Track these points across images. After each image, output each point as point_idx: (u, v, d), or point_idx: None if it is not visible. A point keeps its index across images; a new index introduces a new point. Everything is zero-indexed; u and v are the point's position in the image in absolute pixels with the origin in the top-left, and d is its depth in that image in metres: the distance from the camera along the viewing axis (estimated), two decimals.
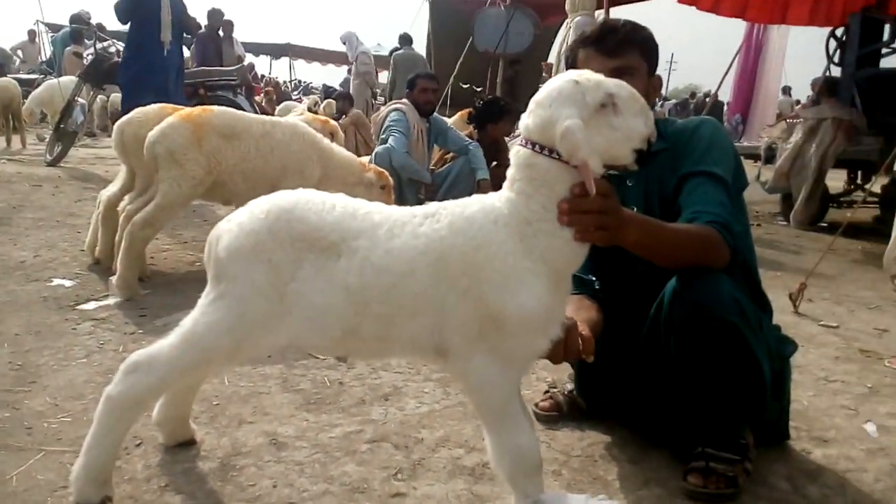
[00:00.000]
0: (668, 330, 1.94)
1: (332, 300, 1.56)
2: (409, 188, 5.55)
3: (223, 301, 1.62)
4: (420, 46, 14.54)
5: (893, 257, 4.33)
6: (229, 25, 12.02)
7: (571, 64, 2.12)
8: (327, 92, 12.42)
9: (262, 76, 19.95)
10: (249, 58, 13.12)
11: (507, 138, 6.62)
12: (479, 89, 11.83)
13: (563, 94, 1.47)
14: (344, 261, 1.55)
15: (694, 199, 1.93)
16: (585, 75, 1.50)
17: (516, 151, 1.54)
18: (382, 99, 13.39)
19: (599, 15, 7.49)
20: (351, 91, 12.12)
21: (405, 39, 12.24)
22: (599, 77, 1.51)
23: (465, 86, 12.13)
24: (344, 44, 13.28)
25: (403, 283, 1.51)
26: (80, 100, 8.40)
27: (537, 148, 1.48)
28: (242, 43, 12.53)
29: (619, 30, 2.07)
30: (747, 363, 1.86)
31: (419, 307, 1.53)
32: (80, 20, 12.61)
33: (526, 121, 1.52)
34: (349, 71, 14.06)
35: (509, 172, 1.55)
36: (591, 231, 1.49)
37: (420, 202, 4.94)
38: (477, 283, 1.47)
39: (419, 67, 10.11)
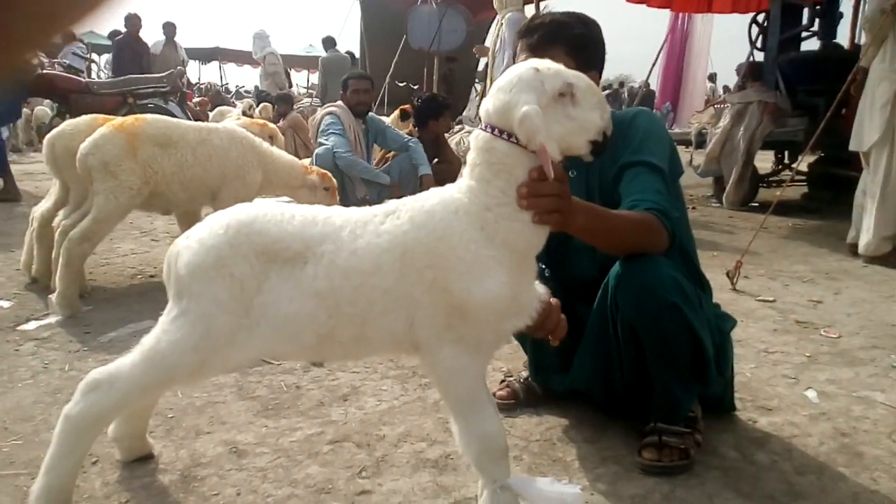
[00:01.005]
0: (613, 312, 2.01)
1: (303, 307, 1.56)
2: (359, 187, 5.52)
3: (186, 318, 1.60)
4: (353, 46, 14.51)
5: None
6: (171, 28, 11.76)
7: (515, 54, 2.16)
8: (260, 95, 12.24)
9: (193, 83, 19.50)
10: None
11: (446, 134, 6.67)
12: (415, 87, 11.85)
13: (523, 80, 1.50)
14: (311, 267, 1.55)
15: (633, 189, 2.00)
16: (546, 64, 1.54)
17: (475, 136, 1.57)
18: (308, 101, 13.33)
19: (539, 7, 7.59)
20: (264, 91, 12.11)
21: (329, 42, 12.34)
22: (559, 67, 1.55)
23: (401, 84, 12.14)
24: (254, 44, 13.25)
25: (371, 282, 1.53)
26: None
27: (496, 132, 1.51)
28: None
29: (544, 26, 2.11)
30: (689, 339, 1.94)
31: (390, 303, 1.54)
32: None
33: (486, 105, 1.55)
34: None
35: (469, 157, 1.58)
36: (547, 214, 1.54)
37: (362, 203, 4.92)
38: (442, 274, 1.50)
39: (347, 69, 10.13)
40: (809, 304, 3.75)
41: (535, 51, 2.04)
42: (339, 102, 5.88)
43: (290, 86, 16.10)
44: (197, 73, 26.78)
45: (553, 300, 1.79)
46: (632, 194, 1.98)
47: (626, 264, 1.96)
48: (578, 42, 2.10)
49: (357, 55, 13.89)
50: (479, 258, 1.48)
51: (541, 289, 1.71)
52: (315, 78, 14.89)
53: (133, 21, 10.79)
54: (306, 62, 24.04)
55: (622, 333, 2.01)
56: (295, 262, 1.57)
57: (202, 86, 20.69)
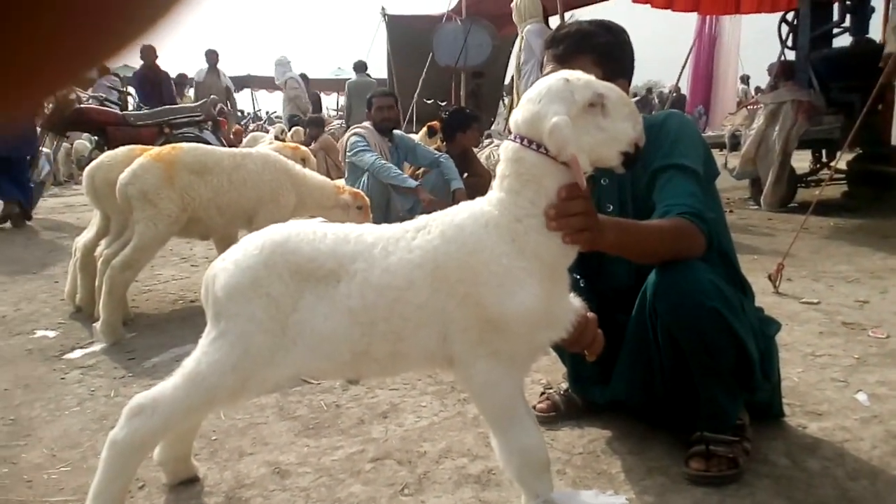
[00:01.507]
0: (653, 321, 1.98)
1: (338, 325, 1.57)
2: (400, 202, 5.55)
3: (225, 339, 1.62)
4: (381, 66, 14.67)
5: None
6: (213, 56, 12.02)
7: (543, 65, 2.16)
8: (291, 119, 12.43)
9: (238, 111, 19.84)
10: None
11: (475, 149, 6.68)
12: (443, 103, 11.91)
13: (553, 91, 1.50)
14: (344, 285, 1.57)
15: (666, 194, 1.97)
16: (576, 74, 1.54)
17: (505, 146, 1.57)
18: (339, 123, 13.53)
19: (565, 17, 7.59)
20: (283, 115, 12.32)
21: (360, 67, 12.55)
22: (590, 77, 1.55)
23: (428, 101, 12.22)
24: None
25: (405, 297, 1.53)
26: (44, 150, 8.32)
27: (525, 142, 1.51)
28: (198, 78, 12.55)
29: (571, 35, 2.09)
30: (732, 345, 1.90)
31: (423, 318, 1.54)
32: None
33: (515, 116, 1.55)
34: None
35: (498, 169, 1.58)
36: (577, 233, 1.53)
37: (405, 219, 4.93)
38: (474, 288, 1.49)
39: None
40: (855, 305, 3.65)
41: (562, 61, 2.03)
42: (366, 123, 5.94)
43: (320, 109, 16.31)
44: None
45: (590, 314, 1.77)
46: (664, 200, 1.96)
47: (663, 271, 1.93)
48: (605, 50, 2.08)
49: (375, 77, 14.07)
50: (511, 271, 1.48)
51: (577, 302, 1.69)
52: (343, 100, 15.16)
53: (148, 52, 11.06)
54: (336, 85, 24.34)
55: (662, 341, 1.98)
56: (329, 281, 1.58)
57: (238, 112, 21.05)
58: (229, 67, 14.36)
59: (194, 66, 12.25)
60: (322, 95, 22.14)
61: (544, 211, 1.49)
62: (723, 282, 1.94)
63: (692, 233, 1.87)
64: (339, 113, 20.99)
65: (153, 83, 10.82)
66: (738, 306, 1.96)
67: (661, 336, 1.97)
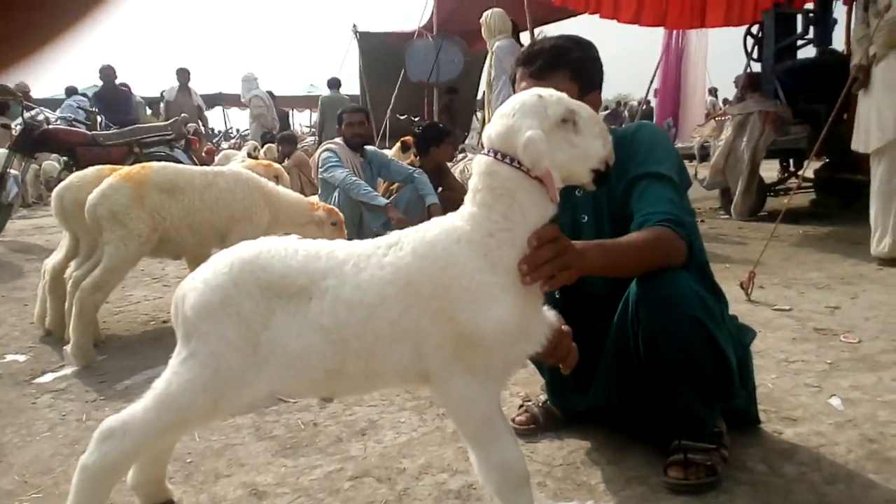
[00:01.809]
0: (634, 328, 1.99)
1: (310, 343, 1.55)
2: (372, 218, 5.52)
3: (195, 359, 1.60)
4: (354, 83, 14.68)
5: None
6: (185, 74, 11.93)
7: (514, 82, 2.17)
8: (264, 137, 12.37)
9: (207, 130, 19.69)
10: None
11: (449, 163, 6.70)
12: (416, 119, 11.95)
13: (526, 106, 1.52)
14: (315, 302, 1.55)
15: (643, 203, 1.99)
16: (548, 91, 1.56)
17: (478, 160, 1.57)
18: (312, 139, 13.54)
19: (527, 34, 7.66)
20: (249, 134, 12.30)
21: (333, 83, 12.64)
22: (562, 94, 1.57)
23: (402, 117, 12.24)
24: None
25: (377, 314, 1.52)
26: (12, 171, 8.18)
27: (499, 156, 1.52)
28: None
29: (546, 51, 2.11)
30: (713, 354, 1.91)
31: (396, 335, 1.53)
32: (3, 91, 12.35)
33: (488, 130, 1.56)
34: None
35: (471, 183, 1.58)
36: (553, 279, 1.53)
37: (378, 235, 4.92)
38: (447, 304, 1.49)
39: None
40: (827, 311, 3.70)
41: (538, 77, 2.05)
42: (337, 139, 5.93)
43: (289, 126, 16.26)
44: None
45: (564, 327, 1.78)
46: (642, 209, 1.97)
47: (645, 279, 1.93)
48: (579, 65, 2.11)
49: (347, 93, 14.11)
50: (484, 286, 1.47)
51: (551, 316, 1.70)
52: (316, 117, 15.21)
53: (107, 72, 11.04)
54: (308, 102, 24.32)
55: (644, 348, 1.98)
56: (300, 298, 1.57)
57: (209, 130, 20.88)
58: (201, 85, 14.25)
59: (165, 85, 12.18)
60: (294, 112, 22.07)
61: (517, 265, 1.50)
62: (703, 290, 1.96)
63: (672, 240, 1.88)
64: (312, 129, 20.97)
65: (111, 103, 10.78)
66: (718, 316, 1.98)
67: (643, 342, 1.98)
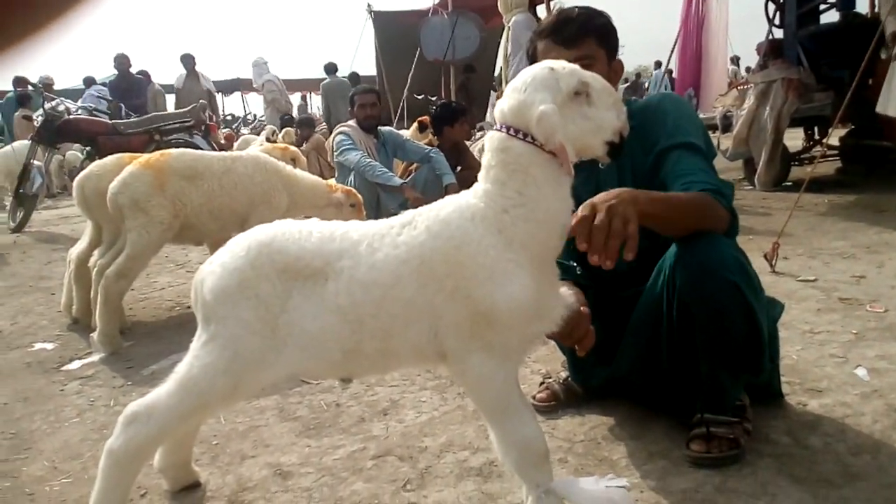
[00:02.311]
0: (668, 292, 1.95)
1: (327, 324, 1.56)
2: (389, 199, 5.53)
3: (215, 343, 1.61)
4: (370, 63, 14.65)
5: None
6: (190, 60, 11.96)
7: (532, 57, 2.14)
8: (283, 120, 12.38)
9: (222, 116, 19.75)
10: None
11: (468, 141, 6.66)
12: (433, 98, 11.90)
13: (538, 80, 1.50)
14: (331, 283, 1.56)
15: (680, 171, 1.95)
16: (561, 63, 1.54)
17: (491, 136, 1.56)
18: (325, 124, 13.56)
19: (542, 8, 7.56)
20: (265, 119, 12.30)
21: (330, 68, 12.59)
22: (574, 66, 1.55)
23: (419, 97, 12.19)
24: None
25: (392, 294, 1.52)
26: (35, 162, 8.29)
27: (512, 132, 1.50)
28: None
29: (575, 19, 2.09)
30: (747, 322, 1.87)
31: (412, 314, 1.53)
32: (23, 83, 12.50)
33: (501, 105, 1.55)
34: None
35: (484, 159, 1.57)
36: (621, 238, 1.52)
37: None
38: (462, 282, 1.48)
39: (345, 92, 10.36)
40: (852, 281, 3.64)
41: (569, 46, 2.04)
42: (350, 122, 5.92)
43: (307, 109, 16.27)
44: (221, 104, 27.17)
45: (584, 309, 1.76)
46: (681, 177, 1.93)
47: (685, 243, 1.89)
48: (605, 31, 2.12)
49: (364, 74, 14.05)
50: (500, 263, 1.47)
51: (570, 297, 1.68)
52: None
53: (121, 60, 11.11)
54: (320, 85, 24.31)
55: (677, 314, 1.94)
56: (316, 279, 1.57)
57: (228, 117, 20.96)
58: (219, 71, 14.34)
59: (174, 73, 12.17)
60: (312, 95, 22.02)
61: (577, 243, 1.51)
62: (743, 258, 1.92)
63: (717, 207, 1.85)
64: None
65: (125, 92, 10.87)
66: (757, 286, 1.93)
67: (677, 307, 1.93)
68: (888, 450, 1.94)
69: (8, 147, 10.22)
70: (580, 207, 1.56)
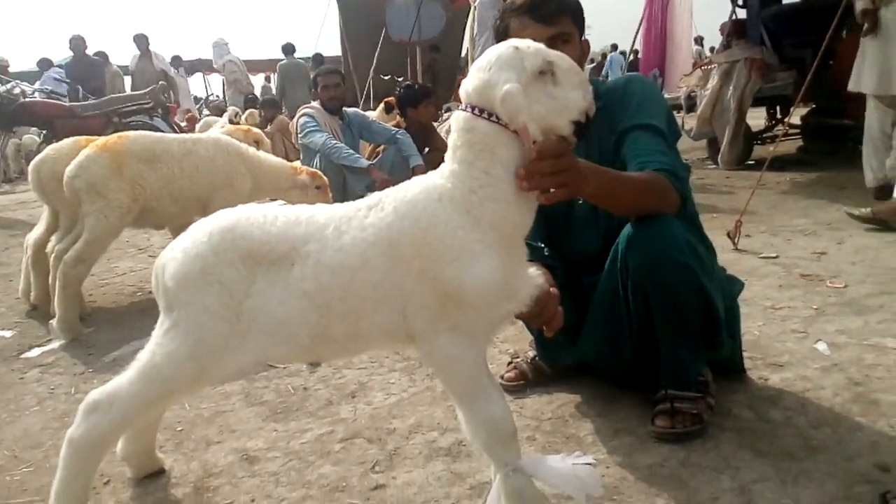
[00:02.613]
0: (623, 276, 1.98)
1: (294, 308, 1.54)
2: (356, 181, 5.47)
3: (178, 329, 1.58)
4: (335, 44, 14.45)
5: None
6: (143, 40, 11.67)
7: (502, 34, 2.10)
8: (247, 101, 12.17)
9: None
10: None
11: (436, 123, 6.63)
12: (400, 79, 11.80)
13: (503, 59, 1.47)
14: (298, 268, 1.53)
15: (637, 151, 1.97)
16: (525, 42, 1.51)
17: (456, 116, 1.54)
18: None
19: None
20: (227, 100, 12.12)
21: (288, 49, 12.44)
22: (539, 45, 1.52)
23: (385, 77, 12.08)
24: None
25: (360, 277, 1.50)
26: None
27: (477, 111, 1.48)
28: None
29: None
30: (701, 302, 1.92)
31: (380, 297, 1.52)
32: None
33: (465, 85, 1.52)
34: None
35: (450, 140, 1.55)
36: (551, 192, 1.51)
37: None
38: (430, 263, 1.47)
39: (304, 73, 10.26)
40: (813, 257, 3.71)
41: (548, 23, 2.03)
42: (314, 103, 5.84)
43: (271, 91, 16.04)
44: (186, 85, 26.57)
45: (553, 290, 1.76)
46: (637, 157, 1.95)
47: (636, 226, 1.92)
48: (578, 9, 2.13)
49: (328, 55, 13.87)
50: (467, 243, 1.45)
51: (538, 278, 1.68)
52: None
53: (77, 42, 10.84)
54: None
55: (632, 297, 1.98)
56: (281, 264, 1.55)
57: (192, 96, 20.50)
58: (180, 52, 13.99)
59: (129, 54, 11.88)
60: (274, 76, 21.69)
61: (515, 171, 1.47)
62: (695, 240, 1.95)
63: (668, 188, 1.87)
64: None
65: (83, 73, 10.61)
66: (709, 266, 1.98)
67: (632, 291, 1.97)
68: (848, 423, 1.98)
69: None
70: (543, 139, 1.51)
